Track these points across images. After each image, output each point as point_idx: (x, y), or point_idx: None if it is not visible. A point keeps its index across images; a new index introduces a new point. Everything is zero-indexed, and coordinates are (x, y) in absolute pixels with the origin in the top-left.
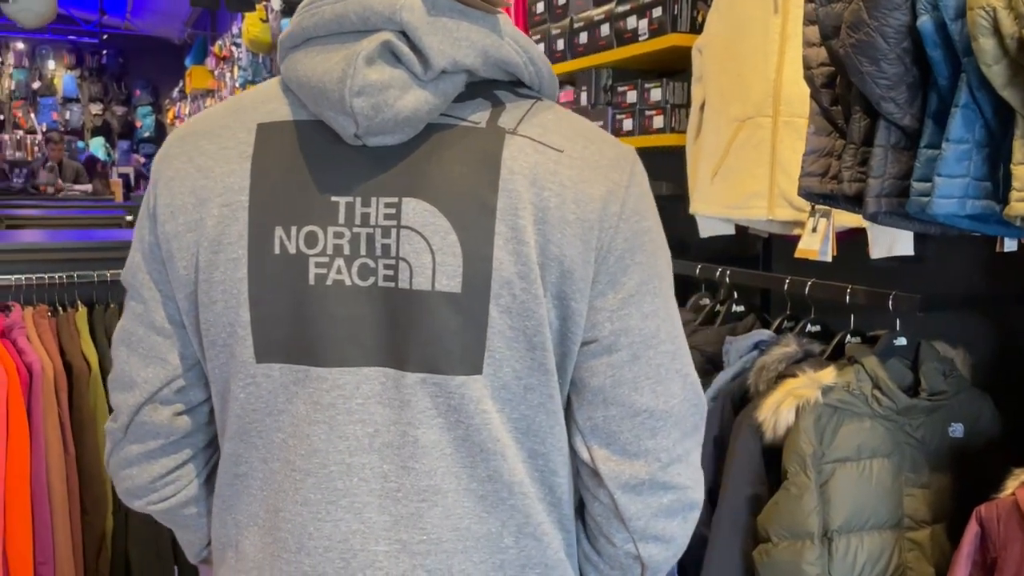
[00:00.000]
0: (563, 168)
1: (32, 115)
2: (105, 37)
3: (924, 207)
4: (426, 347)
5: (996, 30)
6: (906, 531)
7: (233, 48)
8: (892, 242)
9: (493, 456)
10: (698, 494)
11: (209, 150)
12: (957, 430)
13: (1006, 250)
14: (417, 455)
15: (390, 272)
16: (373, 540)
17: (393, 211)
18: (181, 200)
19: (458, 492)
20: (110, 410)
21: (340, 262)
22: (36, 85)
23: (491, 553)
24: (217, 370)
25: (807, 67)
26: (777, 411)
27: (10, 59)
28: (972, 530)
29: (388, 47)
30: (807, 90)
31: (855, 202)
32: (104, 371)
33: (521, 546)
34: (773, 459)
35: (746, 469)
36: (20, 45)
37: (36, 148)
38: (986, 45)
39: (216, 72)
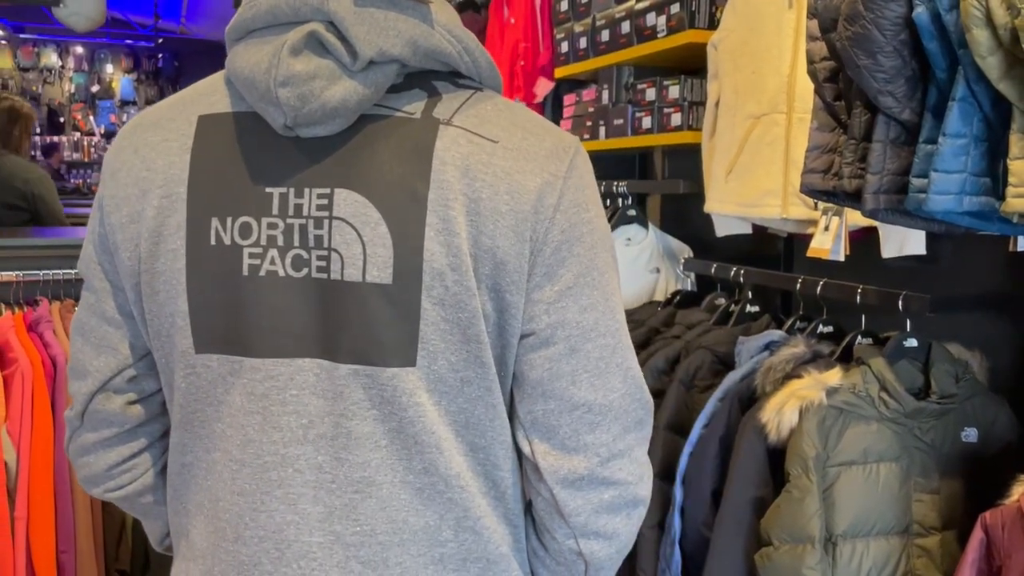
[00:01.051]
0: (497, 159)
1: (91, 117)
2: (160, 41)
3: (921, 204)
4: (358, 338)
5: (989, 21)
6: (915, 537)
7: None
8: (903, 241)
9: (428, 449)
10: (642, 490)
11: (152, 141)
12: (971, 435)
13: (1019, 249)
14: (351, 446)
15: (323, 263)
16: (307, 531)
17: (325, 202)
18: (125, 192)
19: (393, 484)
20: None
21: (274, 253)
22: (95, 88)
23: (429, 546)
24: (163, 360)
25: (810, 61)
26: (781, 412)
27: (70, 63)
28: (977, 537)
29: (315, 37)
30: None
31: (855, 199)
32: None
33: (460, 540)
34: (778, 461)
35: (750, 471)
36: (80, 49)
37: (92, 149)
38: (980, 36)
39: None
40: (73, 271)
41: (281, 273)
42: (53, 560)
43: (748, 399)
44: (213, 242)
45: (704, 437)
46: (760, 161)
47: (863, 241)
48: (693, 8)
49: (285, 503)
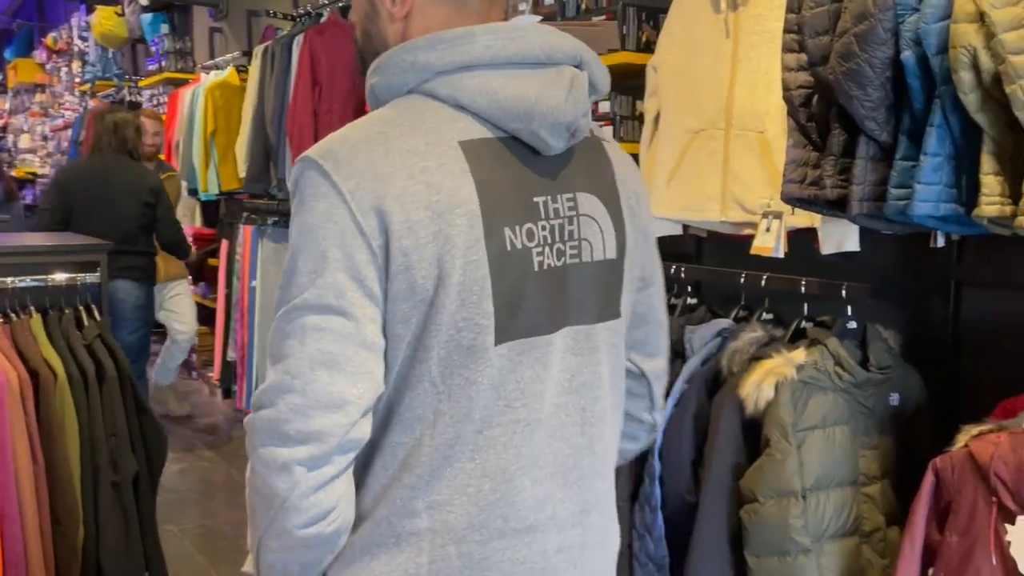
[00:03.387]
0: (624, 157)
1: None
2: None
3: (902, 210)
4: (599, 301)
5: (974, 65)
6: (861, 487)
7: (79, 42)
8: (841, 239)
9: (622, 382)
10: None
11: (429, 167)
12: (895, 399)
13: (939, 245)
14: (595, 388)
15: (575, 251)
16: (579, 460)
17: (572, 204)
18: (417, 215)
19: (610, 411)
20: (85, 418)
21: (547, 249)
22: None
23: (612, 464)
24: (435, 367)
25: (786, 88)
26: (759, 388)
27: None
28: (928, 480)
29: (579, 79)
30: (757, 107)
31: (836, 205)
32: (71, 378)
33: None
34: (749, 432)
35: (730, 441)
36: None
37: None
38: (965, 77)
39: (48, 66)
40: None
41: (553, 264)
42: None
43: (713, 380)
44: (508, 248)
45: (676, 415)
46: (700, 171)
47: (794, 239)
48: (624, 32)
49: (563, 442)
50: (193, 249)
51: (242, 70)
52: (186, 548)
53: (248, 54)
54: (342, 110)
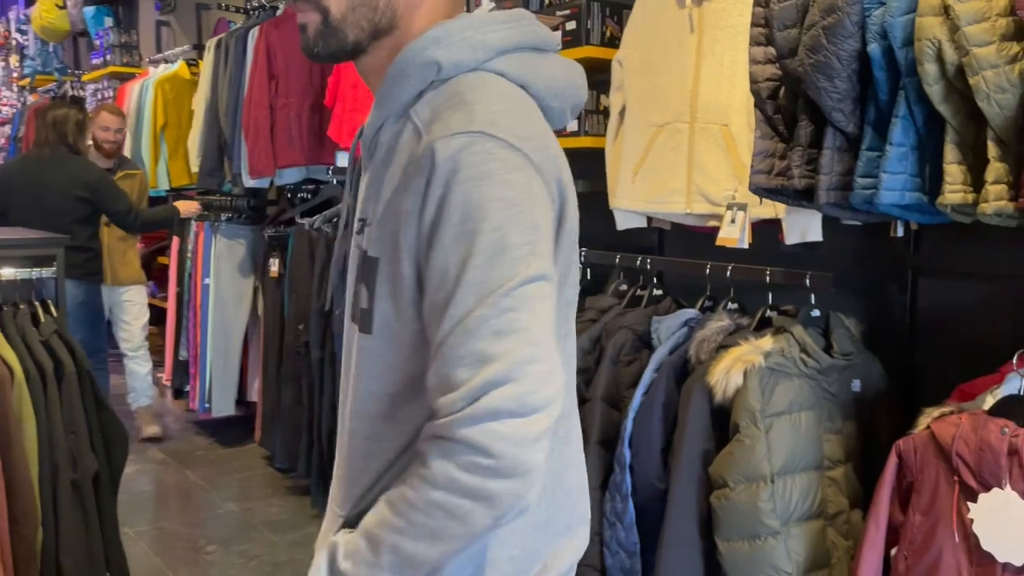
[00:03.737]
0: None
1: None
2: None
3: (868, 199)
4: None
5: (938, 57)
6: (826, 470)
7: (17, 35)
8: (805, 230)
9: None
10: None
11: (544, 131)
12: (857, 385)
13: (899, 235)
14: None
15: None
16: None
17: None
18: (570, 181)
19: None
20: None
21: None
22: None
23: None
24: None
25: (753, 81)
26: (728, 375)
27: None
28: (892, 461)
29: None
30: (721, 100)
31: (803, 195)
32: (28, 375)
33: None
34: (716, 419)
35: (699, 427)
36: None
37: None
38: (930, 69)
39: None
40: None
41: None
42: None
43: (681, 368)
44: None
45: (645, 404)
46: (665, 164)
47: (758, 230)
48: (589, 27)
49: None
50: (138, 248)
51: (192, 64)
52: (142, 551)
53: (199, 47)
54: (299, 104)
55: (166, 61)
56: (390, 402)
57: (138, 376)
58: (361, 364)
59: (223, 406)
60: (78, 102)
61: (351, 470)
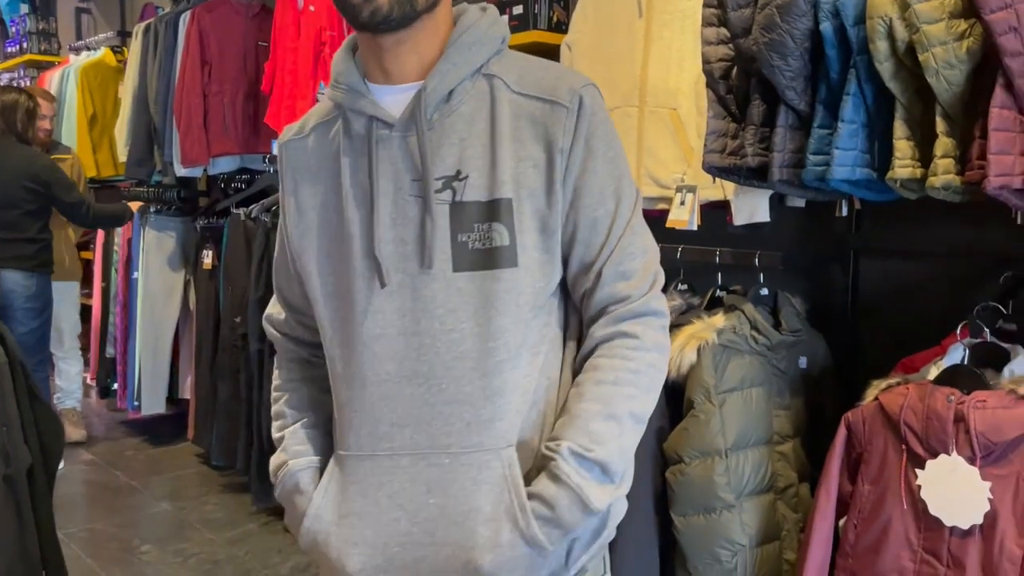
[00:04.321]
0: None
1: None
2: None
3: (820, 175)
4: None
5: (890, 35)
6: (775, 445)
7: None
8: (753, 211)
9: None
10: None
11: None
12: (803, 362)
13: (843, 214)
14: None
15: None
16: None
17: None
18: None
19: None
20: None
21: None
22: None
23: None
24: None
25: (706, 62)
26: (682, 352)
27: None
28: (841, 433)
29: None
30: (670, 84)
31: (757, 173)
32: None
33: None
34: (669, 397)
35: None
36: None
37: None
38: (881, 46)
39: None
40: None
41: None
42: None
43: None
44: None
45: None
46: None
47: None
48: (536, 11)
49: None
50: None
51: (117, 50)
52: (74, 553)
53: (124, 34)
54: (233, 92)
55: (88, 48)
56: (524, 327)
57: (68, 376)
58: (493, 300)
59: (153, 404)
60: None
61: (483, 409)
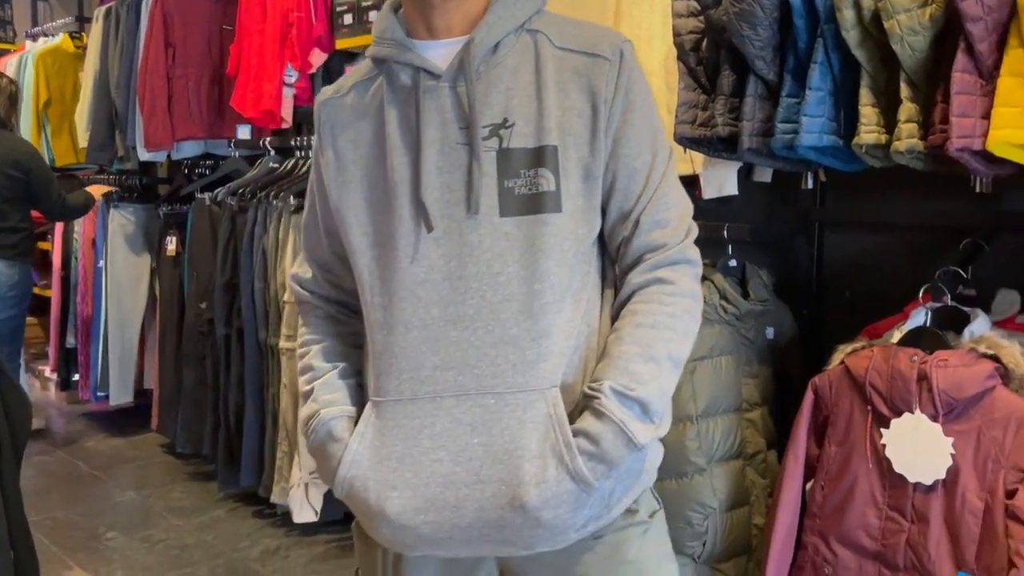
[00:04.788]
0: None
1: None
2: None
3: (789, 143)
4: None
5: (856, 3)
6: (744, 413)
7: None
8: (721, 184)
9: None
10: None
11: None
12: (771, 332)
13: (808, 186)
14: None
15: None
16: None
17: None
18: None
19: None
20: None
21: None
22: None
23: None
24: None
25: (676, 34)
26: None
27: None
28: (808, 398)
29: None
30: (640, 62)
31: (726, 143)
32: None
33: None
34: None
35: None
36: None
37: None
38: (847, 15)
39: None
40: None
41: None
42: None
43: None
44: None
45: None
46: None
47: None
48: None
49: None
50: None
51: (76, 36)
52: (38, 540)
53: (82, 19)
54: (198, 75)
55: (45, 35)
56: (568, 272)
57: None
58: (540, 244)
59: (122, 395)
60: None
61: (528, 351)
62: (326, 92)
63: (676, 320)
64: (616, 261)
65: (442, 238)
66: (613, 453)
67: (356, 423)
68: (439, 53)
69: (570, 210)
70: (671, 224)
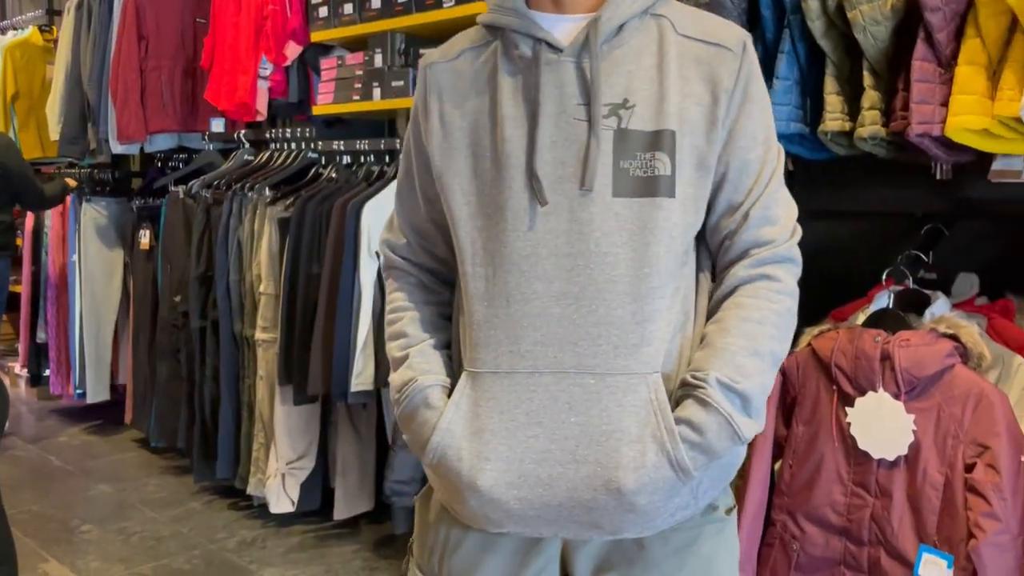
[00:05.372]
0: None
1: None
2: None
3: None
4: None
5: None
6: None
7: None
8: None
9: None
10: None
11: None
12: None
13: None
14: None
15: None
16: None
17: None
18: None
19: None
20: None
21: None
22: None
23: None
24: None
25: None
26: None
27: None
28: (777, 379)
29: None
30: None
31: None
32: None
33: None
34: None
35: None
36: None
37: None
38: (812, 5)
39: None
40: None
41: None
42: None
43: None
44: None
45: None
46: None
47: None
48: None
49: None
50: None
51: (46, 29)
52: (14, 534)
53: (52, 12)
54: (171, 68)
55: (14, 28)
56: (674, 259)
57: None
58: (651, 227)
59: (98, 391)
60: None
61: (631, 334)
62: (432, 55)
63: (781, 318)
64: (717, 254)
65: (552, 213)
66: (717, 445)
67: (449, 395)
68: (562, 28)
69: (682, 197)
70: (780, 222)
